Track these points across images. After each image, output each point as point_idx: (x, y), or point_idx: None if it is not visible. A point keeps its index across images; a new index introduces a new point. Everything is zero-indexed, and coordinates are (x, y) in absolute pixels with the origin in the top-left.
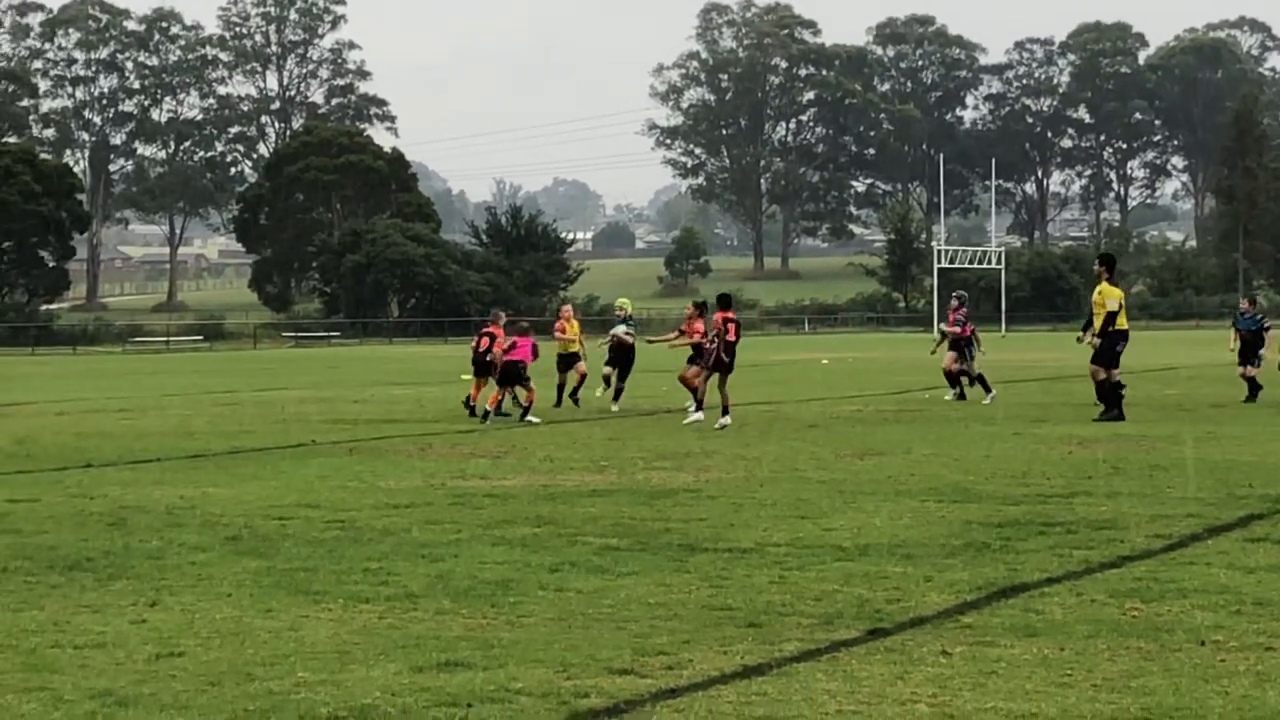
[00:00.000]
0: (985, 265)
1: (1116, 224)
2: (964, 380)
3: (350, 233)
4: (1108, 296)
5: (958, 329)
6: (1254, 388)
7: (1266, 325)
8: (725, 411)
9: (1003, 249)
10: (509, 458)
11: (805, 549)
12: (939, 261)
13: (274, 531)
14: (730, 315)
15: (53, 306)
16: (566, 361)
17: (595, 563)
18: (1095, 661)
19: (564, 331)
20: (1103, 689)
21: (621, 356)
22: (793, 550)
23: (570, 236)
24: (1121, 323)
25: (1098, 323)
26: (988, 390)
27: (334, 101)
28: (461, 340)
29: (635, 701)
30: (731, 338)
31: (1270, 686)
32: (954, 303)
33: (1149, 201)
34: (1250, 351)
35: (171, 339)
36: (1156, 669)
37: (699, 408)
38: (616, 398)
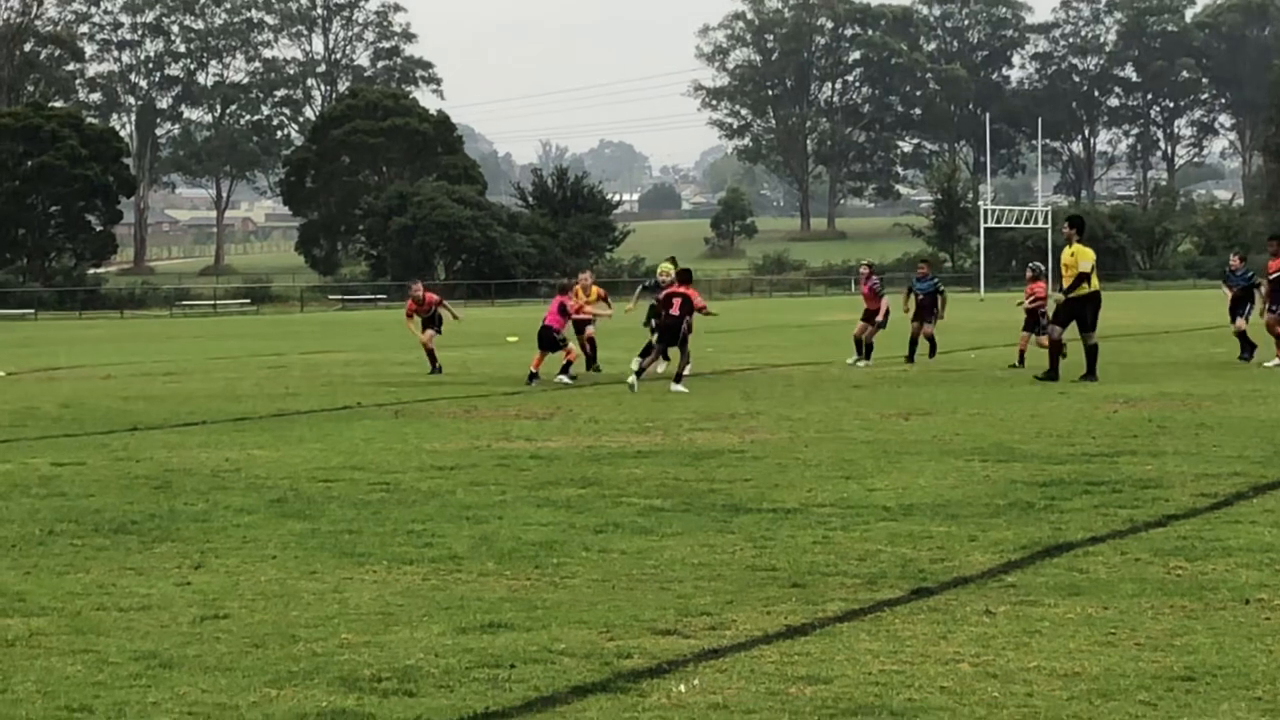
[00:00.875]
0: (1032, 225)
1: (1164, 183)
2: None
3: (396, 195)
4: (1081, 258)
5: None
6: (1247, 345)
7: (1258, 283)
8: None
9: (1049, 208)
10: (554, 419)
11: (849, 509)
12: (985, 221)
13: (319, 494)
14: (679, 290)
15: (100, 270)
16: (577, 327)
17: (639, 524)
18: (1139, 620)
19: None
20: (1146, 648)
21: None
22: (837, 510)
23: (616, 198)
24: (1094, 284)
25: (1066, 282)
26: (858, 353)
27: (380, 64)
28: (508, 302)
29: (678, 662)
30: (674, 311)
31: None
32: (864, 270)
33: (1196, 160)
34: (1239, 306)
35: (218, 302)
36: (1200, 627)
37: (651, 362)
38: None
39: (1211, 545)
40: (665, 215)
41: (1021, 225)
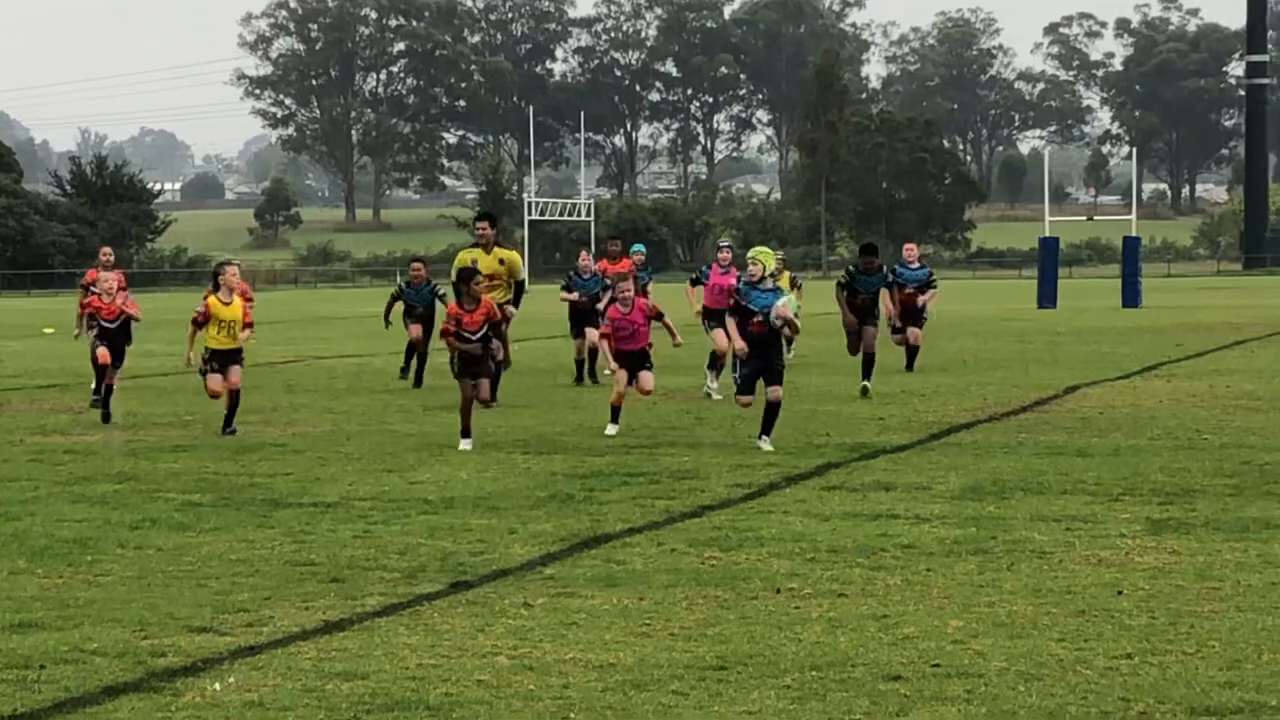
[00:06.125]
0: (575, 217)
1: (704, 177)
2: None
3: None
4: (516, 262)
5: None
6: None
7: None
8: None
9: (593, 201)
10: (91, 413)
11: (390, 503)
12: (530, 214)
13: None
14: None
15: None
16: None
17: (177, 519)
18: (673, 611)
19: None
20: (680, 638)
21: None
22: (378, 504)
23: (157, 187)
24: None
25: (505, 292)
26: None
27: None
28: (45, 293)
29: (213, 660)
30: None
31: (841, 632)
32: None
33: (735, 155)
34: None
35: None
36: (733, 617)
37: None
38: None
39: (745, 535)
40: (209, 205)
41: (565, 218)
